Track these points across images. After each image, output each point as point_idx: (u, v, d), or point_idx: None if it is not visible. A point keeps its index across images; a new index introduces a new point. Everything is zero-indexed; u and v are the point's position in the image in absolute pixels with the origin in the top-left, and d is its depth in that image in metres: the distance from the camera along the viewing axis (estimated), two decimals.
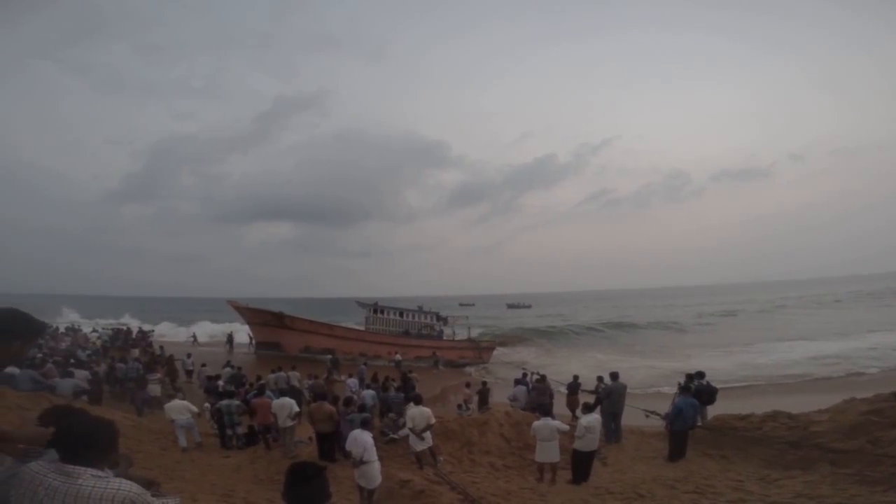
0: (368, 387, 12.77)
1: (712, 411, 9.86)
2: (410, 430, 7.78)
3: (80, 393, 10.16)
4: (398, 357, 21.28)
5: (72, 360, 14.01)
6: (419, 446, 7.72)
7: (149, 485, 2.18)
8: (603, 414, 9.81)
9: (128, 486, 1.66)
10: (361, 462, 6.00)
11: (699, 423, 9.01)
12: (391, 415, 9.92)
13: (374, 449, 6.28)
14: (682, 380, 10.05)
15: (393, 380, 13.77)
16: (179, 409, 9.56)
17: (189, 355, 19.13)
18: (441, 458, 8.12)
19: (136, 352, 19.58)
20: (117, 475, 1.78)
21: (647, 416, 9.86)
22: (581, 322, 50.01)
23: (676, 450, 8.31)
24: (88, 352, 17.50)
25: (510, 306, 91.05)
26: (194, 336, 32.20)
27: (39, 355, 13.05)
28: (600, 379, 11.62)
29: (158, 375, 14.10)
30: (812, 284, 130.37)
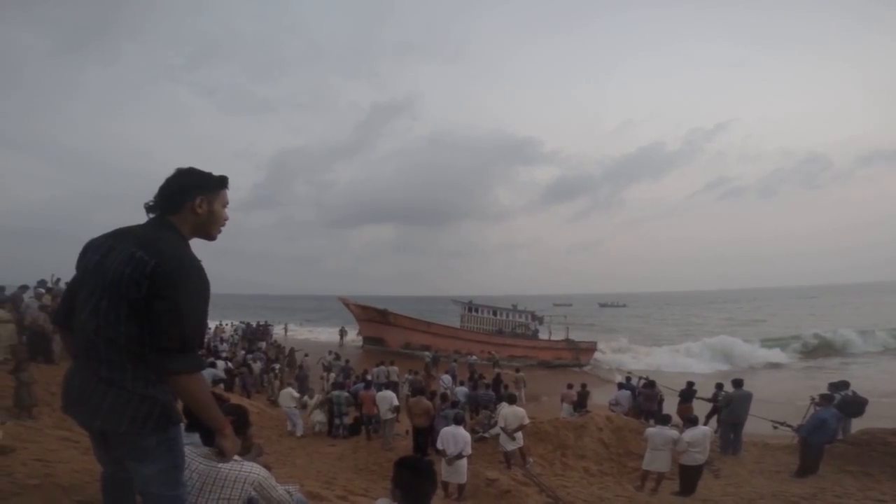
0: (462, 384, 13.01)
1: (857, 424, 8.58)
2: (502, 429, 7.78)
3: (217, 381, 11.79)
4: (473, 357, 20.90)
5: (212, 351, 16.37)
6: (509, 446, 7.68)
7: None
8: (722, 424, 9.19)
9: (258, 470, 1.87)
10: (458, 457, 6.14)
11: (840, 437, 7.97)
12: (485, 411, 10.00)
13: (470, 446, 6.38)
14: (826, 389, 8.86)
15: (482, 376, 13.84)
16: (286, 397, 10.60)
17: (330, 352, 19.29)
18: (531, 460, 7.99)
19: (262, 344, 22.25)
20: (248, 460, 2.00)
21: (774, 427, 8.86)
22: (691, 322, 45.41)
23: (808, 464, 7.36)
24: (226, 343, 20.28)
25: (602, 305, 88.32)
26: (286, 327, 36.24)
27: None
28: (719, 386, 10.71)
29: (278, 365, 15.89)
30: None
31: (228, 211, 1.83)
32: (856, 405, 8.55)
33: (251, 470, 1.85)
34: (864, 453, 7.43)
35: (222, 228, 1.79)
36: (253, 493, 1.82)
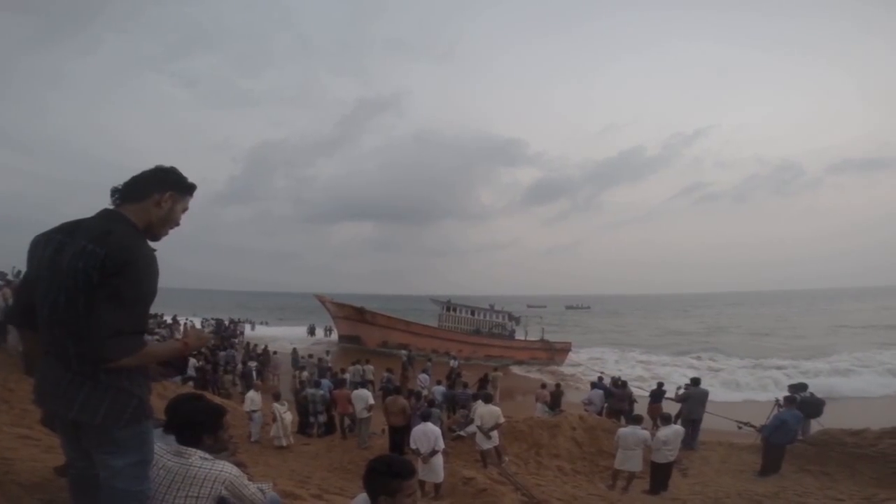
0: (439, 383, 13.05)
1: (816, 426, 8.97)
2: (478, 428, 7.82)
3: (187, 379, 11.51)
4: (454, 361, 20.77)
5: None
6: (485, 445, 7.73)
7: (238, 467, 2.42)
8: (680, 419, 9.36)
9: (229, 468, 1.84)
10: (432, 454, 6.13)
11: (800, 438, 8.30)
12: (462, 411, 10.05)
13: (442, 440, 6.39)
14: (786, 392, 9.28)
15: (459, 374, 13.88)
16: (249, 399, 9.65)
17: (327, 352, 18.75)
18: (506, 459, 8.06)
19: (234, 341, 21.80)
20: (222, 458, 1.96)
21: (739, 427, 9.19)
22: (657, 326, 46.64)
23: (770, 464, 7.69)
24: None
25: (569, 307, 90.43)
26: (251, 323, 35.94)
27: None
28: (686, 387, 11.04)
29: (255, 364, 15.57)
30: None
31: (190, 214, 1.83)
32: (814, 406, 8.96)
33: (222, 468, 1.82)
34: (822, 453, 7.75)
35: (169, 232, 1.79)
36: (224, 491, 1.79)
